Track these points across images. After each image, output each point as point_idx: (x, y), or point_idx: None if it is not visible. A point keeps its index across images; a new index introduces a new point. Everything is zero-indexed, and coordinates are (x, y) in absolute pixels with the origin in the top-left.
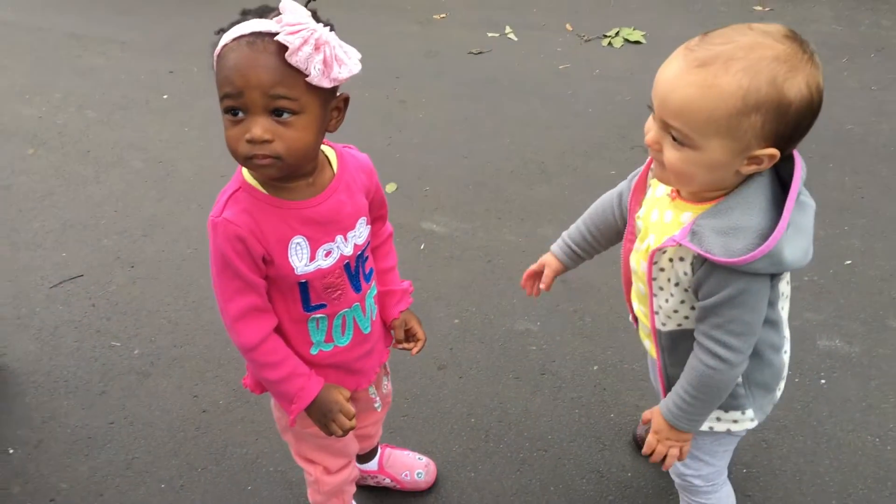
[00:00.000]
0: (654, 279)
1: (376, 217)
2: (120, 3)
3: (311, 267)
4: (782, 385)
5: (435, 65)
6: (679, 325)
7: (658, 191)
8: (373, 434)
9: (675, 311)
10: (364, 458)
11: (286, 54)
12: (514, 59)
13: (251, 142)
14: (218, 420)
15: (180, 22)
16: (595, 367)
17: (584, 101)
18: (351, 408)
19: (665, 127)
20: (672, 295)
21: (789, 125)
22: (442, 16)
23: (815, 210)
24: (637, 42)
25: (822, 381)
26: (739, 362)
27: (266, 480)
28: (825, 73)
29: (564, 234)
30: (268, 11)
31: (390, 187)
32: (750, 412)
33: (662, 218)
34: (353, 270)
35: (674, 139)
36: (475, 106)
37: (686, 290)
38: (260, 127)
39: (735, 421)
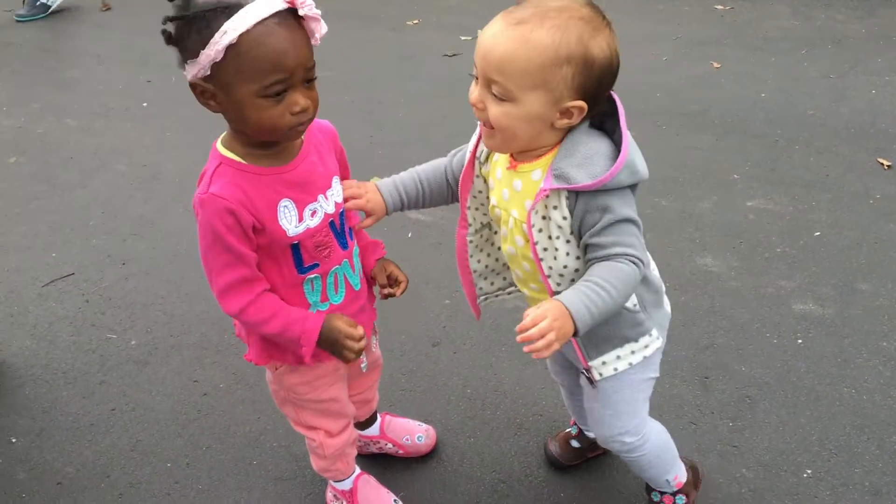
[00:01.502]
0: (537, 243)
1: (342, 179)
2: (95, 18)
3: (301, 228)
4: (666, 299)
5: (410, 67)
6: (572, 280)
7: (497, 173)
8: (370, 398)
9: (566, 267)
10: (364, 424)
11: (314, 27)
12: None
13: (299, 113)
14: (219, 402)
15: (155, 34)
16: None
17: None
18: (355, 329)
19: (487, 84)
20: (557, 249)
21: (593, 80)
22: (415, 22)
23: (783, 188)
24: None
25: (799, 341)
26: (645, 261)
27: (271, 455)
28: (786, 65)
29: (395, 178)
30: None
31: (374, 181)
32: (654, 331)
33: (514, 189)
34: (339, 228)
35: (495, 96)
36: (453, 104)
37: (568, 241)
38: (304, 98)
39: (646, 346)
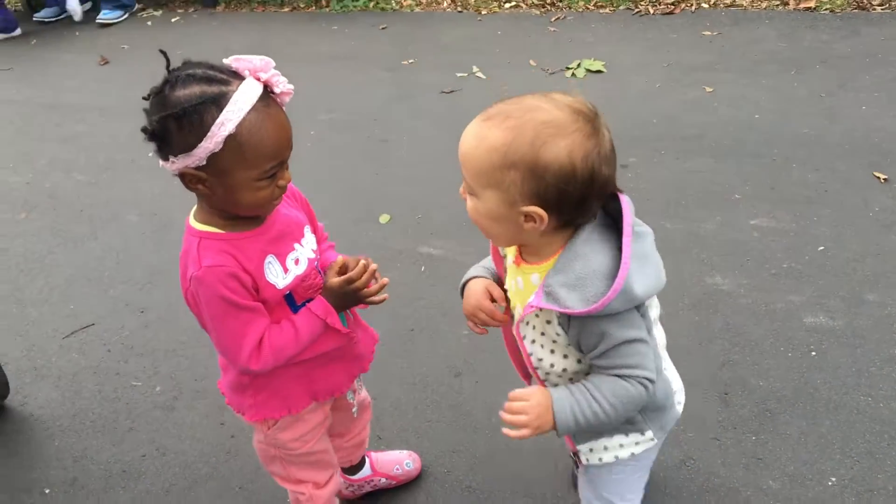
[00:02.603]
0: (531, 354)
1: (315, 228)
2: (94, 73)
3: (289, 278)
4: (680, 398)
5: (410, 106)
6: (570, 379)
7: (508, 259)
8: (363, 440)
9: (564, 370)
10: (355, 468)
11: (285, 99)
12: (486, 94)
13: (282, 187)
14: (247, 444)
15: (154, 84)
16: None
17: None
18: (355, 273)
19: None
20: (553, 364)
21: (549, 188)
22: (410, 61)
23: (784, 206)
24: (598, 71)
25: (813, 354)
26: (654, 380)
27: None
28: (777, 86)
29: (476, 269)
30: (213, 70)
31: (384, 218)
32: (649, 433)
33: (517, 285)
34: (320, 269)
35: (468, 190)
36: (454, 140)
37: (566, 356)
38: (288, 173)
39: (637, 443)
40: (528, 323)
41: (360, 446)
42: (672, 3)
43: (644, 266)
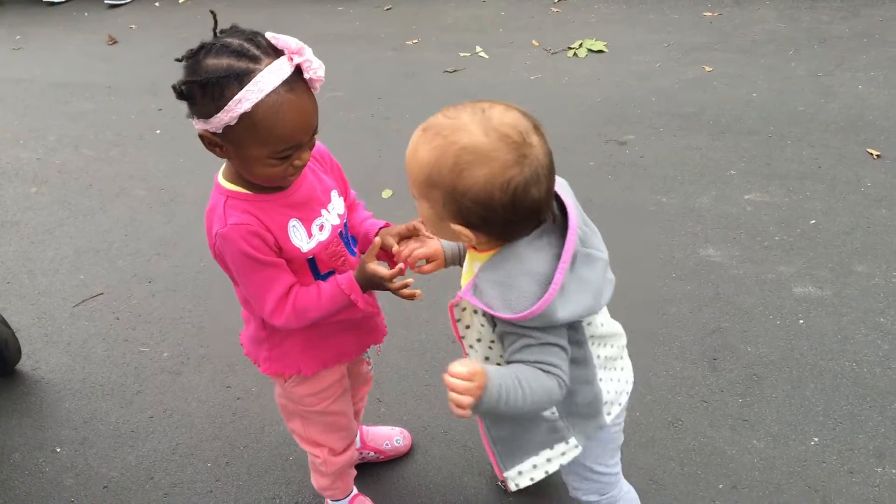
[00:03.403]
0: (464, 337)
1: (345, 190)
2: (103, 52)
3: (313, 243)
4: (613, 410)
5: (413, 84)
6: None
7: None
8: (358, 411)
9: (487, 359)
10: None
11: (317, 84)
12: (488, 73)
13: (298, 167)
14: (253, 405)
15: (162, 64)
16: None
17: (558, 105)
18: (389, 275)
19: None
20: (479, 341)
21: (471, 212)
22: (414, 41)
23: (778, 181)
24: (600, 51)
25: (801, 322)
26: (562, 393)
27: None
28: (775, 66)
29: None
30: (252, 45)
31: (386, 193)
32: (573, 440)
33: (467, 267)
34: (346, 237)
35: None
36: None
37: (491, 345)
38: (307, 153)
39: (563, 453)
40: (463, 309)
41: (356, 414)
42: None
43: (580, 292)
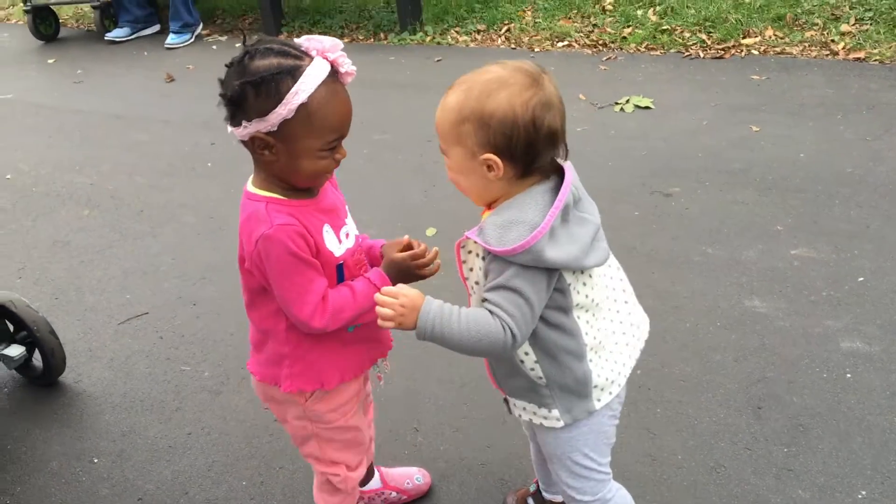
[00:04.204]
0: (467, 278)
1: None
2: (160, 88)
3: (343, 248)
4: (603, 397)
5: None
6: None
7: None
8: (372, 436)
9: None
10: (363, 481)
11: (348, 80)
12: None
13: (338, 161)
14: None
15: (217, 101)
16: (639, 371)
17: (604, 157)
18: (420, 251)
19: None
20: (477, 284)
21: (497, 134)
22: None
23: (825, 238)
24: (647, 107)
25: (848, 376)
26: (511, 346)
27: None
28: (823, 128)
29: None
30: (289, 47)
31: (430, 231)
32: (556, 412)
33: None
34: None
35: (442, 153)
36: None
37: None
38: (344, 149)
39: (545, 417)
40: (469, 251)
41: (370, 442)
42: (722, 49)
43: (567, 243)
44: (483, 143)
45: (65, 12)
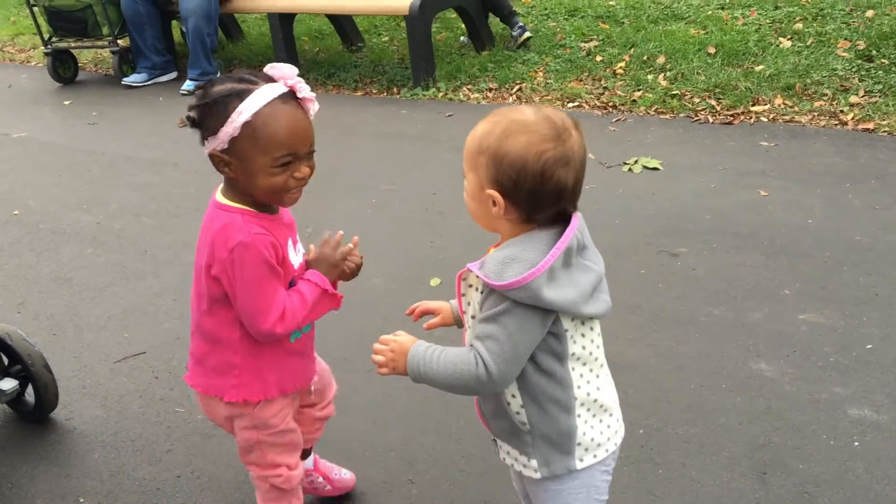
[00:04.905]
0: (465, 312)
1: None
2: (173, 133)
3: (299, 258)
4: (586, 458)
5: None
6: None
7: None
8: (328, 414)
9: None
10: (303, 453)
11: (308, 106)
12: None
13: (300, 179)
14: None
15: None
16: (641, 431)
17: (611, 215)
18: (335, 241)
19: None
20: (473, 318)
21: (505, 175)
22: None
23: (834, 304)
24: (655, 168)
25: (856, 443)
26: (487, 382)
27: None
28: (832, 196)
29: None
30: (252, 76)
31: (434, 282)
32: (534, 462)
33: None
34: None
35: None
36: None
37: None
38: (306, 168)
39: (524, 466)
40: (469, 285)
41: (322, 423)
42: (731, 115)
43: (567, 286)
44: (491, 180)
45: (84, 56)
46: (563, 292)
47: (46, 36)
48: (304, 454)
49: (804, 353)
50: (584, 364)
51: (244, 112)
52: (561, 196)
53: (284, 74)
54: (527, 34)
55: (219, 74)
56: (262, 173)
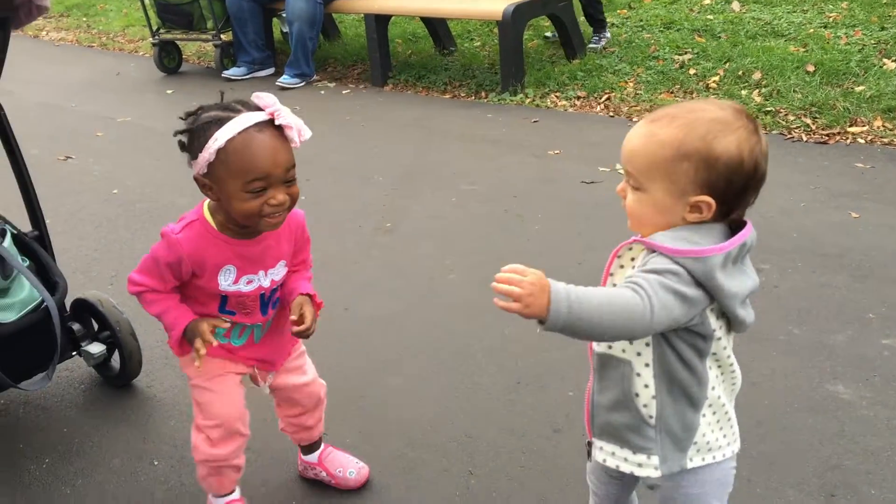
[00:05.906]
0: (612, 274)
1: (300, 261)
2: None
3: (233, 288)
4: (695, 458)
5: (550, 189)
6: (609, 346)
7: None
8: (311, 426)
9: None
10: (307, 449)
11: (290, 134)
12: None
13: (276, 206)
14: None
15: (318, 141)
16: None
17: None
18: (210, 337)
19: (626, 175)
20: None
21: (720, 177)
22: (556, 152)
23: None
24: None
25: None
26: (649, 317)
27: None
28: None
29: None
30: (239, 104)
31: None
32: (655, 459)
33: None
34: (266, 299)
35: (631, 185)
36: (587, 224)
37: None
38: (283, 194)
39: (640, 465)
40: (621, 266)
41: (301, 430)
42: (826, 134)
43: (737, 278)
44: (700, 184)
45: (189, 49)
46: (734, 283)
47: (155, 28)
48: (312, 447)
49: (885, 378)
50: (720, 367)
51: (219, 139)
52: (760, 185)
53: (266, 103)
54: (603, 43)
55: (314, 77)
56: (236, 199)
